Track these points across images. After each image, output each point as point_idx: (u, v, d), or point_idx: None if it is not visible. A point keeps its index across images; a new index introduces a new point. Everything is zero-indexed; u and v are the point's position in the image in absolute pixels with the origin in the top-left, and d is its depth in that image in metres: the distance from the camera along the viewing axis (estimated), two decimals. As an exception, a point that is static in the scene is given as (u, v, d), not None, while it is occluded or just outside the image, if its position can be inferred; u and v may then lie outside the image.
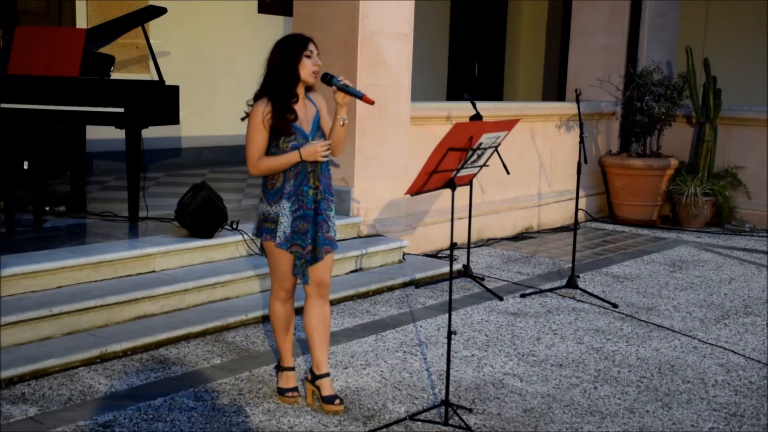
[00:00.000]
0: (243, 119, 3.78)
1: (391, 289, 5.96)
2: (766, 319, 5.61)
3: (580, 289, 6.05)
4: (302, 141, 3.65)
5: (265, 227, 3.73)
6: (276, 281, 3.83)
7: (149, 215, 6.01)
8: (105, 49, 6.46)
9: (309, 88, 3.76)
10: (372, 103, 3.65)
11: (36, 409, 3.74)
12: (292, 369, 3.98)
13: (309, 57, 3.63)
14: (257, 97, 3.67)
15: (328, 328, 3.91)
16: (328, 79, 3.64)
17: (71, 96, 5.77)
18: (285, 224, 3.67)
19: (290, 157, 3.62)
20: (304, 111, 3.69)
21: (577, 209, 6.36)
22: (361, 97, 3.61)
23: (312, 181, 3.70)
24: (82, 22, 8.18)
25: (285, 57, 3.61)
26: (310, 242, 3.71)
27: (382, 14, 6.46)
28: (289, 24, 7.73)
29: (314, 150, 3.62)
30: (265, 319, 5.09)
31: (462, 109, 6.91)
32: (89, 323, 4.57)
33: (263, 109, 3.60)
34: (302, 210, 3.69)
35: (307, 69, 3.63)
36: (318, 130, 3.70)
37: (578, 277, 6.28)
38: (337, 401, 3.84)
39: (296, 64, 3.61)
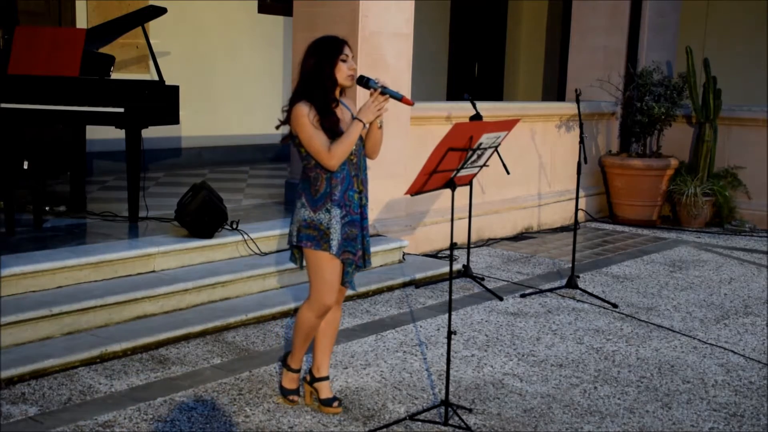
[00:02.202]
0: (278, 127, 3.70)
1: (391, 289, 5.96)
2: (766, 319, 5.61)
3: (580, 289, 6.05)
4: None
5: (305, 233, 3.61)
6: (317, 292, 3.67)
7: (149, 215, 6.01)
8: (105, 49, 6.46)
9: (341, 92, 3.68)
10: (411, 104, 3.59)
11: (36, 409, 3.74)
12: (298, 371, 3.97)
13: (344, 61, 3.55)
14: (293, 102, 3.56)
15: (335, 332, 3.91)
16: (364, 81, 3.57)
17: (71, 96, 5.77)
18: (339, 232, 3.58)
19: (355, 128, 3.51)
20: (341, 114, 3.61)
21: (577, 209, 6.36)
22: (400, 98, 3.54)
23: (357, 185, 3.64)
24: (82, 22, 8.18)
25: (320, 61, 3.53)
26: (360, 247, 3.67)
27: (382, 14, 6.46)
28: (289, 24, 7.73)
29: (370, 110, 3.52)
30: (264, 319, 5.09)
31: (462, 109, 6.91)
32: (89, 323, 4.57)
33: (307, 111, 3.50)
34: (350, 215, 3.63)
35: (343, 73, 3.55)
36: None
37: (578, 277, 6.28)
38: (336, 403, 3.84)
39: (332, 68, 3.53)
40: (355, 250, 3.66)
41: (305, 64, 3.57)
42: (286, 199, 7.01)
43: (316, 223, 3.59)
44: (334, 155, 3.50)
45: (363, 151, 3.70)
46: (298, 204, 3.66)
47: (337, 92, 3.62)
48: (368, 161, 3.85)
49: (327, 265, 3.62)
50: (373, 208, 6.61)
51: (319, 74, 3.54)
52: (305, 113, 3.50)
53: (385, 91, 3.54)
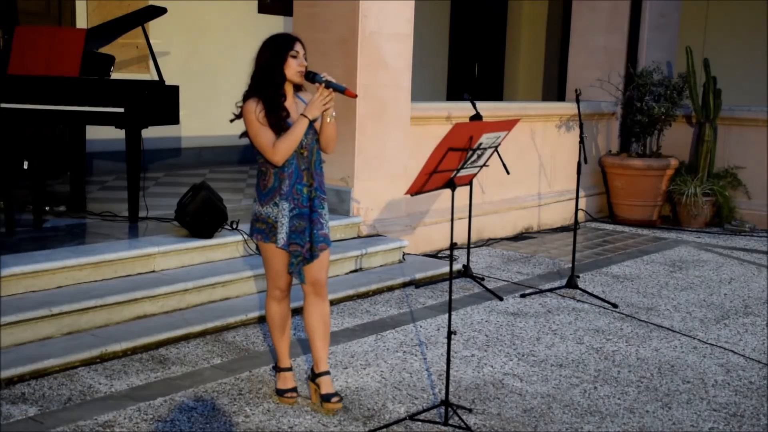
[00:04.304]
0: (232, 121, 3.77)
1: (391, 289, 5.96)
2: (766, 319, 5.61)
3: (580, 289, 6.05)
4: None
5: (256, 227, 3.76)
6: (270, 280, 3.85)
7: (149, 215, 6.01)
8: (105, 49, 6.46)
9: (299, 88, 3.76)
10: (355, 96, 3.66)
11: (36, 409, 3.74)
12: (290, 369, 3.99)
13: (295, 57, 3.63)
14: (246, 97, 3.67)
15: (327, 326, 3.91)
16: (311, 76, 3.65)
17: (71, 96, 5.77)
18: (285, 225, 3.67)
19: (300, 124, 3.60)
20: (295, 109, 3.69)
21: (577, 209, 6.36)
22: (343, 91, 3.61)
23: (306, 179, 3.70)
24: (82, 22, 8.18)
25: (271, 57, 3.63)
26: (308, 240, 3.72)
27: (382, 14, 6.46)
28: (289, 24, 7.73)
29: (315, 105, 3.61)
30: (264, 319, 5.08)
31: (462, 109, 6.91)
32: (89, 323, 4.57)
33: (254, 107, 3.60)
34: (298, 208, 3.69)
35: (293, 69, 3.63)
36: (311, 129, 3.67)
37: (578, 277, 6.28)
38: (336, 398, 3.84)
39: (282, 64, 3.62)
40: (303, 243, 3.71)
41: (258, 59, 3.68)
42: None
43: (264, 216, 3.72)
44: (277, 151, 3.59)
45: (317, 145, 3.75)
46: (253, 199, 3.79)
47: (290, 87, 3.69)
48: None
49: (274, 256, 3.76)
50: (373, 207, 6.61)
51: (268, 70, 3.63)
52: (252, 110, 3.60)
53: (329, 85, 3.61)
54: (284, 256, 3.75)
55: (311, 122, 3.64)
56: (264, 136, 3.60)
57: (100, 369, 4.22)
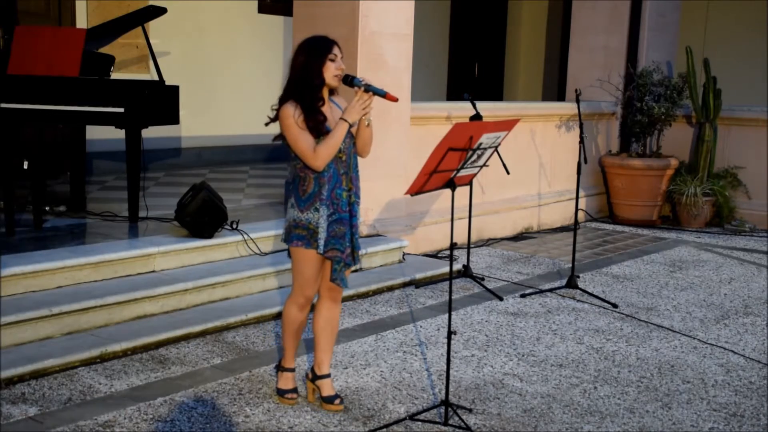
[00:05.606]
0: (267, 124, 3.71)
1: (391, 289, 5.96)
2: (766, 319, 5.61)
3: (580, 289, 6.05)
4: None
5: (295, 233, 3.66)
6: (298, 287, 3.76)
7: (149, 215, 6.01)
8: (105, 49, 6.47)
9: (332, 92, 3.70)
10: (396, 100, 3.59)
11: (36, 409, 3.74)
12: (293, 370, 3.99)
13: (333, 60, 3.57)
14: (282, 101, 3.59)
15: (335, 330, 3.92)
16: (349, 80, 3.60)
17: (71, 96, 5.77)
18: (324, 230, 3.61)
19: (340, 129, 3.54)
20: (330, 114, 3.63)
21: (577, 209, 6.36)
22: (384, 95, 3.56)
23: (345, 184, 3.67)
24: (82, 22, 8.18)
25: (309, 60, 3.55)
26: (348, 245, 3.69)
27: (382, 14, 6.46)
28: (289, 24, 7.73)
29: (355, 109, 3.55)
30: (264, 319, 5.10)
31: (462, 109, 6.91)
32: (89, 323, 4.57)
33: (293, 111, 3.53)
34: (338, 213, 3.65)
35: (331, 72, 3.57)
36: (348, 133, 3.62)
37: (578, 277, 6.28)
38: (338, 401, 3.85)
39: (320, 67, 3.55)
40: (343, 248, 3.68)
41: (294, 62, 3.61)
42: (285, 199, 7.02)
43: (304, 223, 3.64)
44: (318, 156, 3.54)
45: (354, 149, 3.72)
46: (289, 204, 3.73)
47: (326, 91, 3.64)
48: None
49: (311, 262, 3.68)
50: (373, 207, 6.61)
51: (307, 73, 3.56)
52: (291, 114, 3.53)
53: (369, 89, 3.57)
54: (320, 263, 3.70)
55: (349, 126, 3.60)
56: (304, 140, 3.53)
57: (100, 369, 4.22)
